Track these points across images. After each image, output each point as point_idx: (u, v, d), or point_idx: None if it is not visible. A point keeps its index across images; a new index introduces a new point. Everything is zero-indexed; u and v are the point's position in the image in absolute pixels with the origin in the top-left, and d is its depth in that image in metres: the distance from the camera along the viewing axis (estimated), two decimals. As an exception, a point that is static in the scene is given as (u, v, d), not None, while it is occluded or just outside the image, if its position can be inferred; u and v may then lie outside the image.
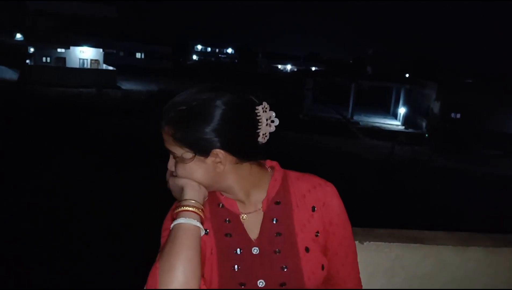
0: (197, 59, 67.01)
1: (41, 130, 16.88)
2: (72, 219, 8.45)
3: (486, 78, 29.49)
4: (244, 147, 1.10)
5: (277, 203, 1.18)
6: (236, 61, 66.37)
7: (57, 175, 11.43)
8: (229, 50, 79.83)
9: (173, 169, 1.15)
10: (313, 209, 1.18)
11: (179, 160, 1.11)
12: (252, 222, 1.17)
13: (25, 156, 13.16)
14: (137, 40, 49.84)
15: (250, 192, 1.18)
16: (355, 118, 31.49)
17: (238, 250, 1.15)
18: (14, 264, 6.09)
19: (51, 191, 10.06)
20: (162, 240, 1.13)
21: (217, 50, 78.45)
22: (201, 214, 1.08)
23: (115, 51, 44.35)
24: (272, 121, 1.12)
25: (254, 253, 1.15)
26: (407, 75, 37.49)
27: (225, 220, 1.18)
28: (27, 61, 35.93)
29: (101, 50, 37.71)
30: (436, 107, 29.01)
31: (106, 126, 18.70)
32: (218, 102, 1.05)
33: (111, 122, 19.64)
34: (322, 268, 1.16)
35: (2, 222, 7.94)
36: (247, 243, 1.15)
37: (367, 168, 16.97)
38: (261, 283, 1.13)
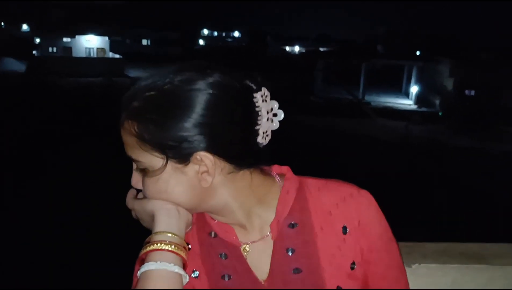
0: (204, 44, 66.44)
1: (56, 122, 16.83)
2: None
3: (501, 53, 28.61)
4: (239, 147, 0.76)
5: (292, 225, 0.83)
6: (244, 44, 65.67)
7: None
8: (236, 34, 78.87)
9: (138, 186, 0.80)
10: (345, 230, 0.83)
11: (148, 172, 0.76)
12: (258, 255, 0.83)
13: (44, 146, 13.08)
14: (143, 26, 49.48)
15: (252, 213, 0.83)
16: (367, 98, 30.95)
17: None
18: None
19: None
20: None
21: (223, 34, 77.41)
22: (182, 254, 0.74)
23: (121, 39, 44.16)
24: (275, 115, 0.78)
25: None
26: (418, 53, 36.68)
27: (220, 255, 0.83)
28: (34, 52, 35.90)
29: (107, 38, 37.54)
30: (449, 84, 28.41)
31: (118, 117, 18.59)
32: (201, 84, 0.72)
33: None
34: None
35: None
36: (253, 287, 0.81)
37: (385, 150, 16.65)
38: None
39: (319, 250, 0.83)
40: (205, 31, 74.21)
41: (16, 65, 34.41)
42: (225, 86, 0.74)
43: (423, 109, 29.14)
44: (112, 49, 37.82)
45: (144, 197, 0.82)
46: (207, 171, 0.75)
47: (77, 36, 36.28)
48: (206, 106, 0.72)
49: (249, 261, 0.83)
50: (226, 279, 0.83)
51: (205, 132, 0.72)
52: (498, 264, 1.34)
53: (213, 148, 0.73)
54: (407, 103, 31.68)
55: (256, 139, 0.78)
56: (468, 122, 23.32)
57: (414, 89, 32.10)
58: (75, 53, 36.50)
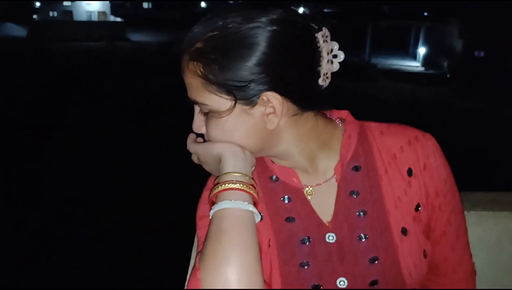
0: (206, 7, 65.52)
1: (58, 87, 16.80)
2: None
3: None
4: (303, 87, 0.74)
5: (356, 168, 0.82)
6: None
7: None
8: (240, -5, 77.46)
9: (201, 130, 0.79)
10: (410, 173, 0.82)
11: (213, 114, 0.74)
12: (322, 198, 0.82)
13: (46, 111, 13.09)
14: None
15: (316, 156, 0.81)
16: (373, 60, 30.69)
17: (306, 239, 0.80)
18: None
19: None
20: (199, 234, 0.80)
21: (227, -5, 76.35)
22: (253, 192, 0.72)
23: (122, 2, 43.51)
24: (335, 56, 0.75)
25: (329, 241, 0.80)
26: (426, 13, 36.02)
27: (283, 198, 0.83)
28: (34, 16, 35.48)
29: (107, 1, 36.96)
30: (458, 45, 28.02)
31: (122, 82, 18.41)
32: (264, 21, 0.68)
33: (127, 78, 19.35)
34: (425, 255, 0.81)
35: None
36: (318, 229, 0.81)
37: (391, 112, 16.62)
38: (342, 283, 0.79)
39: (384, 193, 0.82)
40: (208, -8, 72.92)
41: (17, 30, 34.12)
42: (288, 22, 0.72)
43: (430, 71, 28.97)
44: (113, 12, 37.34)
45: (207, 140, 0.82)
46: (273, 113, 0.73)
47: (77, 0, 35.81)
48: (269, 43, 0.70)
49: (312, 203, 0.83)
50: (290, 221, 0.83)
51: (270, 71, 0.71)
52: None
53: (279, 88, 0.72)
54: (414, 65, 31.42)
55: (318, 80, 0.76)
56: (477, 84, 23.12)
57: (421, 50, 31.76)
58: (76, 17, 36.08)
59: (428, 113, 17.23)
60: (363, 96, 19.61)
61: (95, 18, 36.70)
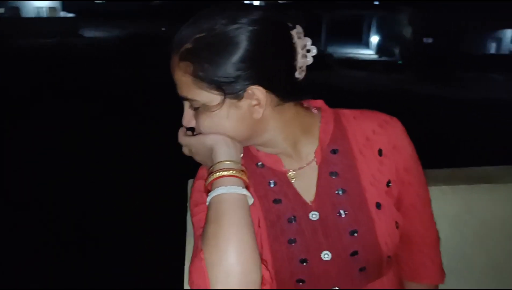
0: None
1: (10, 86, 16.11)
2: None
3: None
4: (284, 80, 0.84)
5: (334, 151, 0.92)
6: (202, -2, 63.89)
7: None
8: (195, -13, 76.51)
9: (191, 124, 0.87)
10: (380, 153, 0.93)
11: (203, 108, 0.82)
12: (304, 180, 0.92)
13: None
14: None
15: (297, 142, 0.91)
16: (329, 50, 31.07)
17: (293, 218, 0.91)
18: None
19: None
20: (195, 220, 0.88)
21: (183, -13, 74.94)
22: (245, 178, 0.82)
23: (73, -3, 41.92)
24: (308, 51, 0.86)
25: (313, 219, 0.91)
26: (376, 3, 36.83)
27: (269, 182, 0.92)
28: (-22, 14, 33.70)
29: (57, -4, 35.55)
30: (408, 33, 28.80)
31: (77, 79, 17.87)
32: (246, 22, 0.78)
33: (82, 74, 18.79)
34: (397, 226, 0.94)
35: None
36: (302, 208, 0.91)
37: (348, 100, 16.89)
38: (326, 256, 0.90)
39: (360, 172, 0.93)
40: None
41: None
42: (267, 22, 0.81)
43: (384, 58, 29.65)
44: (64, 8, 35.96)
45: (198, 133, 0.89)
46: (258, 104, 0.82)
47: (25, -5, 34.24)
48: (252, 41, 0.78)
49: (296, 185, 0.93)
50: (277, 203, 0.92)
51: (254, 67, 0.79)
52: (502, 182, 1.48)
53: (262, 82, 0.81)
54: (368, 53, 32.09)
55: (295, 73, 0.86)
56: (427, 69, 23.93)
57: (374, 38, 32.47)
58: (24, 14, 34.50)
59: (384, 99, 17.72)
60: (322, 85, 19.84)
61: (44, 14, 35.22)
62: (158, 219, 6.04)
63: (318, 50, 0.91)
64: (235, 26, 0.79)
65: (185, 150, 0.92)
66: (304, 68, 0.88)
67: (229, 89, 0.80)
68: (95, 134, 10.58)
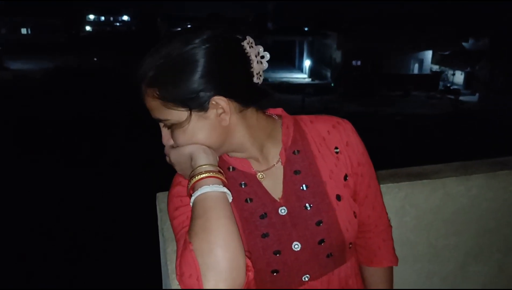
0: (91, 30, 62.77)
1: None
2: None
3: (381, 24, 31.03)
4: (242, 87, 0.92)
5: (296, 152, 1.03)
6: (134, 28, 63.17)
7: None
8: (125, 18, 75.46)
9: (170, 143, 0.96)
10: (336, 150, 1.05)
11: (176, 126, 0.91)
12: (272, 179, 1.02)
13: None
14: (20, 14, 45.22)
15: (264, 145, 1.01)
16: (264, 75, 31.60)
17: (264, 214, 1.00)
18: None
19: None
20: (176, 222, 0.95)
21: (111, 18, 73.64)
22: (224, 178, 0.91)
23: (-5, 29, 40.03)
24: (262, 57, 0.95)
25: (282, 213, 1.00)
26: (306, 29, 38.31)
27: (241, 184, 1.01)
28: None
29: (-22, 28, 33.66)
30: (338, 56, 30.12)
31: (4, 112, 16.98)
32: (198, 42, 0.87)
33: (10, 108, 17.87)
34: (355, 215, 1.05)
35: None
36: (272, 205, 1.01)
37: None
38: (296, 246, 1.00)
39: (320, 168, 1.04)
40: (91, 16, 69.95)
41: None
42: (217, 38, 0.90)
43: (317, 81, 30.73)
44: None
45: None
46: (224, 112, 0.91)
47: None
48: (207, 58, 0.88)
49: (265, 185, 1.02)
50: (249, 201, 1.01)
51: (213, 80, 0.88)
52: (437, 178, 1.67)
53: (223, 91, 0.90)
54: (302, 76, 33.15)
55: (253, 79, 0.95)
56: (356, 89, 25.13)
57: (306, 63, 33.63)
58: None
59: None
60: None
61: (-36, 47, 33.24)
62: (128, 233, 5.92)
63: None
64: (189, 47, 0.86)
65: (168, 159, 0.99)
66: (261, 73, 0.97)
67: (194, 104, 0.88)
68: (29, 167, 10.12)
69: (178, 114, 0.89)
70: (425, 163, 1.83)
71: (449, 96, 25.64)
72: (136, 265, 4.70)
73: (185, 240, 0.86)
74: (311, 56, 33.71)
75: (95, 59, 32.75)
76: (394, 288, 1.28)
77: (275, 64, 35.68)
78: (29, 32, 46.74)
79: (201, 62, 0.87)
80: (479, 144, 13.50)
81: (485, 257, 1.83)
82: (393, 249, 1.21)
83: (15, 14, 45.00)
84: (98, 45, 39.17)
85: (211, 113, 0.90)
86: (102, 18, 72.48)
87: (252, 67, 0.94)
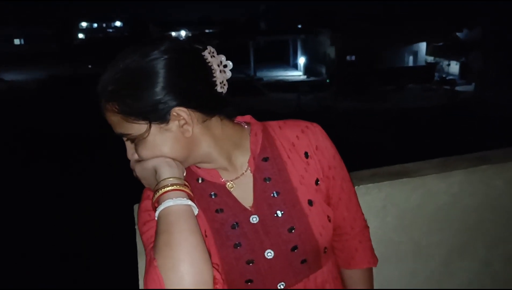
0: (84, 38, 62.72)
1: None
2: None
3: (374, 19, 31.06)
4: (204, 96, 0.91)
5: (265, 159, 1.02)
6: (126, 34, 63.14)
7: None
8: (118, 24, 75.40)
9: (135, 157, 0.94)
10: (306, 155, 1.04)
11: (138, 139, 0.90)
12: (242, 188, 1.01)
13: None
14: (12, 25, 45.20)
15: (231, 154, 1.00)
16: (258, 74, 31.72)
17: (235, 224, 0.98)
18: None
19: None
20: (144, 237, 0.94)
21: (104, 25, 73.53)
22: (188, 191, 0.89)
23: (-11, 41, 40.03)
24: (225, 66, 0.95)
25: (254, 222, 0.99)
26: (299, 26, 38.28)
27: (210, 194, 1.00)
28: None
29: (-29, 41, 33.63)
30: (332, 52, 30.09)
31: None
32: (157, 54, 0.86)
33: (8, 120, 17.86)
34: (329, 219, 1.04)
35: None
36: (243, 214, 0.99)
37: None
38: (269, 254, 0.99)
39: (290, 174, 1.03)
40: (84, 24, 69.89)
41: None
42: (177, 49, 0.89)
43: (312, 78, 30.66)
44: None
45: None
46: (186, 123, 0.90)
47: None
48: (167, 69, 0.87)
49: (235, 194, 1.01)
50: (220, 212, 1.00)
51: (173, 91, 0.87)
52: (418, 175, 1.66)
53: (184, 102, 0.89)
54: (297, 74, 33.08)
55: (216, 89, 0.94)
56: (351, 85, 25.09)
57: (301, 60, 33.60)
58: None
59: (314, 117, 18.37)
60: (254, 109, 20.20)
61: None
62: (107, 244, 5.92)
63: (248, 76, 0.99)
64: (148, 59, 0.86)
65: (134, 174, 0.98)
66: (225, 82, 0.96)
67: (154, 116, 0.87)
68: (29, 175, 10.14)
69: (139, 128, 0.88)
70: (422, 158, 1.82)
71: (445, 86, 25.62)
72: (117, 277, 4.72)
73: (149, 257, 0.85)
74: (305, 53, 33.68)
75: (90, 66, 32.72)
76: (378, 288, 1.28)
77: (269, 63, 35.68)
78: (22, 42, 46.74)
79: (160, 74, 0.86)
80: (475, 135, 13.54)
81: (470, 253, 1.83)
82: (371, 250, 1.21)
83: (7, 24, 44.99)
84: (91, 52, 39.06)
85: (173, 125, 0.89)
86: (95, 25, 72.39)
87: (214, 77, 0.93)
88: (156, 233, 0.85)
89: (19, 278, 5.82)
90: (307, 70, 32.45)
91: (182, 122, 0.89)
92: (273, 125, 1.08)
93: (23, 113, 18.88)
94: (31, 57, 39.30)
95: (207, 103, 0.93)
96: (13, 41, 46.32)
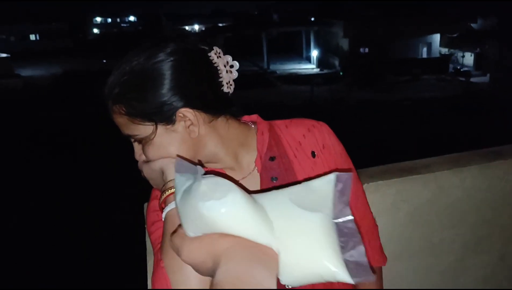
0: (98, 32, 63.19)
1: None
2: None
3: (387, 10, 30.67)
4: (209, 97, 0.91)
5: (272, 159, 1.01)
6: (140, 28, 63.42)
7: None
8: (132, 18, 75.73)
9: (142, 158, 0.95)
10: (313, 154, 1.03)
11: (145, 140, 0.90)
12: (249, 187, 0.99)
13: None
14: (27, 21, 45.75)
15: (238, 154, 1.00)
16: (272, 67, 31.66)
17: None
18: None
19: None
20: (153, 237, 0.95)
21: (118, 19, 73.93)
22: None
23: (5, 36, 40.57)
24: (232, 66, 0.94)
25: None
26: (312, 19, 38.02)
27: None
28: None
29: (-13, 37, 34.10)
30: (345, 44, 29.87)
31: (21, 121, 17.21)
32: (162, 56, 0.86)
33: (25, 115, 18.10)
34: None
35: None
36: None
37: (293, 114, 17.30)
38: None
39: (297, 174, 1.02)
40: (98, 19, 70.41)
41: None
42: (182, 51, 0.89)
43: (325, 71, 30.49)
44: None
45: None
46: (192, 124, 0.90)
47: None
48: (173, 70, 0.87)
49: None
50: None
51: (178, 92, 0.88)
52: (428, 172, 1.64)
53: (190, 103, 0.89)
54: (310, 67, 32.93)
55: (222, 89, 0.94)
56: (365, 77, 24.89)
57: (314, 53, 33.40)
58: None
59: (328, 109, 18.29)
60: (266, 102, 20.27)
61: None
62: (117, 242, 5.99)
63: (261, 69, 0.97)
64: (153, 61, 0.86)
65: (142, 174, 0.99)
66: (231, 82, 0.96)
67: (160, 117, 0.87)
68: (40, 173, 10.27)
69: (145, 129, 0.89)
70: (436, 150, 1.79)
71: (460, 78, 25.27)
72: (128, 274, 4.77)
73: (157, 257, 0.86)
74: (318, 45, 33.48)
75: (104, 61, 32.99)
76: (392, 286, 1.27)
77: (283, 55, 35.55)
78: (38, 38, 47.31)
79: (165, 75, 0.86)
80: (490, 127, 13.32)
81: (485, 248, 1.80)
82: (380, 249, 1.20)
83: (23, 21, 45.54)
84: (106, 47, 39.37)
85: (179, 125, 0.90)
86: (109, 20, 72.85)
87: (221, 77, 0.93)
88: (163, 233, 0.85)
89: (20, 279, 5.88)
90: (320, 62, 32.25)
91: (188, 123, 0.90)
92: (280, 124, 1.07)
93: (39, 108, 19.13)
94: (46, 52, 39.76)
95: (213, 103, 0.93)
96: (29, 37, 46.91)
